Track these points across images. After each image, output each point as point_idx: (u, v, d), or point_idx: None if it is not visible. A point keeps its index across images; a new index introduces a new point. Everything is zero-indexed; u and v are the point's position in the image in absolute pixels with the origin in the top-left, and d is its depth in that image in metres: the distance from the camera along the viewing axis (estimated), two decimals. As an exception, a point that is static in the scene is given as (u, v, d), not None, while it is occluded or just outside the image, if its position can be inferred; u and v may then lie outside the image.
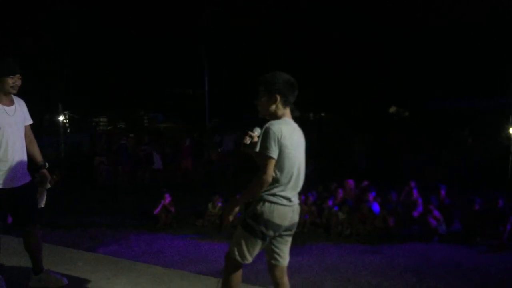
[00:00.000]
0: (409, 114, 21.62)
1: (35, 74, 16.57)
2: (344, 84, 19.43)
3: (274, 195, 2.90)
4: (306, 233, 8.87)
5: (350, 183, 10.58)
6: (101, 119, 27.64)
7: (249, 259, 2.99)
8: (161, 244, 7.95)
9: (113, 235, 8.47)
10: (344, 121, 20.13)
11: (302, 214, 9.34)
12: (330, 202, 9.61)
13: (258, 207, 2.90)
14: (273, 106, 3.01)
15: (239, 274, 3.08)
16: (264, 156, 2.83)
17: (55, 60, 17.38)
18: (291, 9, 18.56)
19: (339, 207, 9.33)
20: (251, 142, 3.18)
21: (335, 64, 18.61)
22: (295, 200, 3.04)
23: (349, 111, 20.52)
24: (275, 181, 2.89)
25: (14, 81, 3.89)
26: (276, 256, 3.11)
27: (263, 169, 2.83)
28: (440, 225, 8.55)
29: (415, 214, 8.99)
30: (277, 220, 2.91)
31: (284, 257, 3.14)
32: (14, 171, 3.91)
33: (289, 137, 2.90)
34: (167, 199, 9.85)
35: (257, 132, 3.19)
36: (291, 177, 2.94)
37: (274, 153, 2.82)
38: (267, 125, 2.90)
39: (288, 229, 3.05)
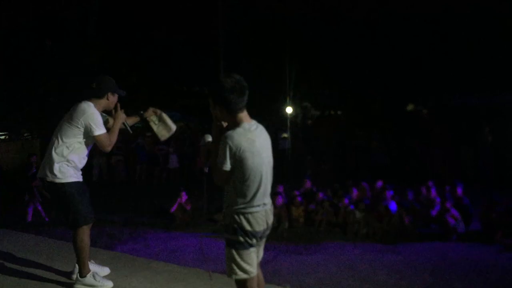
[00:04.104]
0: (427, 112, 21.35)
1: (51, 73, 16.74)
2: (360, 81, 19.24)
3: (245, 207, 2.92)
4: (322, 232, 8.85)
5: (365, 185, 10.51)
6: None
7: (253, 270, 2.98)
8: (177, 242, 7.98)
9: (130, 233, 8.53)
10: (362, 119, 19.99)
11: (319, 213, 9.46)
12: (346, 201, 9.56)
13: (235, 222, 2.93)
14: (224, 116, 3.01)
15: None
16: (217, 168, 2.90)
17: (71, 59, 17.49)
18: (305, 7, 18.44)
19: (355, 206, 9.28)
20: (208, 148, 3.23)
21: (351, 61, 18.42)
22: (268, 202, 3.02)
23: (366, 109, 20.32)
24: (242, 195, 2.91)
25: None
26: None
27: (215, 177, 2.94)
28: (458, 224, 8.46)
29: (433, 213, 8.92)
30: (255, 227, 2.94)
31: (260, 255, 3.17)
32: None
33: (249, 147, 2.86)
34: (184, 197, 9.89)
35: (209, 138, 3.27)
36: (258, 186, 2.93)
37: (227, 167, 2.86)
38: (224, 137, 2.87)
39: (264, 232, 3.04)
